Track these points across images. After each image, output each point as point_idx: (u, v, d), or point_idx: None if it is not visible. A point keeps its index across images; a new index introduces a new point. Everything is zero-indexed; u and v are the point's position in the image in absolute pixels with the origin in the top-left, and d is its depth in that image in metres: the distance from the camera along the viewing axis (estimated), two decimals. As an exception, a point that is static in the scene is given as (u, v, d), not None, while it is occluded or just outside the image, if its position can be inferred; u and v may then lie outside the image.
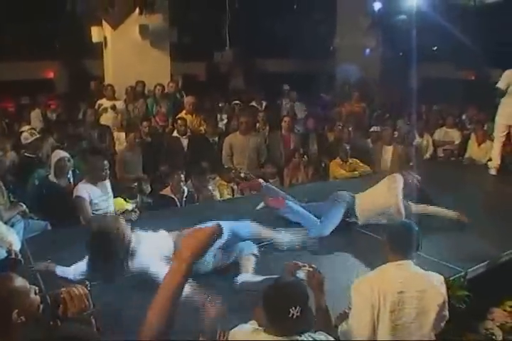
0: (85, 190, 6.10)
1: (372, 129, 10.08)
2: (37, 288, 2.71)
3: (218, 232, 2.30)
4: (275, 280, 3.18)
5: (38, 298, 2.68)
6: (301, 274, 3.77)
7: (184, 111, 10.38)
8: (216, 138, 9.63)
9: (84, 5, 11.08)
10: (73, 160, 6.90)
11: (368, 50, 14.81)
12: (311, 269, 3.77)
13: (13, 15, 12.47)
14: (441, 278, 3.72)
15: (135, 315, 3.60)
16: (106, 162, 6.29)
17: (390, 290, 3.48)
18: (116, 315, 4.07)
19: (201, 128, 10.10)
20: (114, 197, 6.66)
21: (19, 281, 2.66)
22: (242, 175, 6.17)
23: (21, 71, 12.94)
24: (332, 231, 5.62)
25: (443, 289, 3.63)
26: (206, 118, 10.36)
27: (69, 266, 4.77)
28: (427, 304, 3.52)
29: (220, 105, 11.81)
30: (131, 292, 4.41)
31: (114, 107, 10.51)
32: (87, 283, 3.10)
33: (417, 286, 3.54)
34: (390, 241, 3.73)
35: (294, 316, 2.89)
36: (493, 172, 8.70)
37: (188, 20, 13.58)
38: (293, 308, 2.90)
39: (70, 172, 6.63)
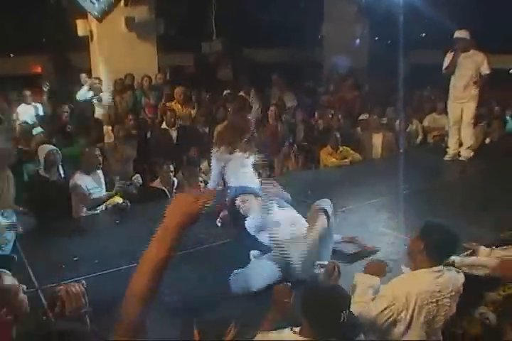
0: (81, 180, 6.22)
1: (361, 117, 10.08)
2: (25, 286, 2.69)
3: (212, 198, 2.10)
4: (316, 287, 3.19)
5: (25, 296, 2.66)
6: (321, 269, 3.83)
7: (174, 102, 10.37)
8: (207, 129, 9.62)
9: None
10: (66, 153, 6.99)
11: (356, 38, 14.78)
12: (332, 265, 3.83)
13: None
14: (462, 275, 3.63)
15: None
16: (98, 151, 6.40)
17: (427, 300, 3.37)
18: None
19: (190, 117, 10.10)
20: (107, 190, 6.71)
21: (8, 280, 2.63)
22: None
23: (8, 66, 12.87)
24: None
25: (462, 287, 3.58)
26: (197, 108, 10.38)
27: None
28: (453, 302, 3.50)
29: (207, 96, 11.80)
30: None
31: (100, 99, 10.47)
32: (83, 281, 3.09)
33: (450, 290, 3.47)
34: (428, 246, 3.45)
35: (345, 320, 2.87)
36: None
37: (174, 11, 13.49)
38: (344, 312, 2.89)
39: (60, 165, 6.64)
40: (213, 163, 5.85)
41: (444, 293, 3.41)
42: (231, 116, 7.93)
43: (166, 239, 1.97)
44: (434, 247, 3.44)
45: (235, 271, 4.34)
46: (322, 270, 3.88)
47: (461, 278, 3.57)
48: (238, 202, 5.17)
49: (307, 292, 3.08)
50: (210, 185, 5.97)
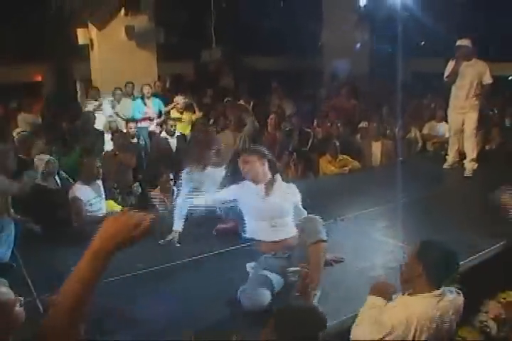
0: (81, 191, 6.21)
1: (360, 125, 10.08)
2: (22, 299, 2.67)
3: (150, 224, 1.93)
4: (290, 308, 3.05)
5: (22, 310, 2.64)
6: (295, 275, 3.77)
7: (174, 110, 10.40)
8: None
9: (70, 7, 11.02)
10: (64, 161, 7.01)
11: (356, 46, 14.80)
12: (305, 270, 3.77)
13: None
14: (462, 297, 3.44)
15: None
16: (98, 160, 6.41)
17: (427, 326, 3.22)
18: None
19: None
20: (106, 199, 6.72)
21: (4, 293, 2.61)
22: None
23: (9, 74, 12.89)
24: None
25: (461, 308, 3.45)
26: (197, 116, 10.41)
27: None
28: (453, 322, 3.37)
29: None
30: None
31: (99, 107, 10.50)
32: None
33: (451, 313, 3.32)
34: (428, 268, 3.29)
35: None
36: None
37: (174, 19, 13.53)
38: (320, 334, 2.84)
39: (57, 174, 6.67)
40: (183, 183, 5.62)
41: (444, 317, 3.27)
42: (193, 133, 7.88)
43: (91, 264, 1.91)
44: (434, 269, 3.29)
45: (242, 288, 4.19)
46: (295, 277, 3.80)
47: (461, 299, 3.43)
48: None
49: (279, 314, 2.96)
50: (177, 202, 5.72)
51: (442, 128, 10.37)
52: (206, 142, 5.70)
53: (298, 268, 3.87)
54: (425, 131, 10.70)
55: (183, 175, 5.57)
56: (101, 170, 6.46)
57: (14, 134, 8.30)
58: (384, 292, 3.51)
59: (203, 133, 6.03)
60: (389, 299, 3.48)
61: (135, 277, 4.81)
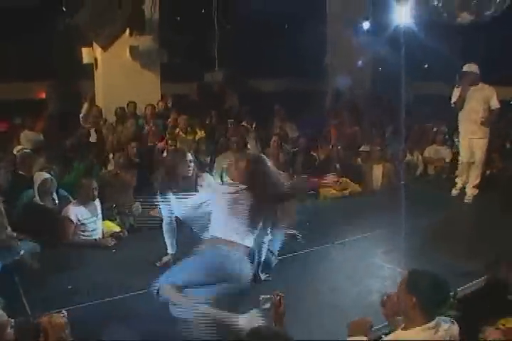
0: (74, 212, 6.22)
1: (361, 148, 10.07)
2: (13, 321, 2.66)
3: None
4: (255, 333, 2.86)
5: (12, 332, 2.63)
6: (268, 304, 3.67)
7: (177, 130, 10.43)
8: (208, 158, 9.63)
9: (75, 26, 11.10)
10: (64, 181, 7.02)
11: (359, 69, 14.84)
12: (277, 298, 3.68)
13: (5, 36, 12.50)
14: (457, 326, 3.32)
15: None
16: (94, 183, 6.40)
17: None
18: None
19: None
20: (104, 219, 6.71)
21: None
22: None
23: (13, 91, 12.94)
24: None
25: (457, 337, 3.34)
26: (199, 137, 10.43)
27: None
28: None
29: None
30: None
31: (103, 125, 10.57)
32: (64, 312, 3.09)
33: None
34: (421, 302, 3.17)
35: None
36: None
37: (178, 41, 13.60)
38: None
39: (55, 193, 6.66)
40: (161, 207, 5.57)
41: None
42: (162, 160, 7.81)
43: None
44: (427, 300, 3.19)
45: None
46: (267, 305, 3.68)
47: (456, 328, 3.32)
48: None
49: (248, 337, 2.85)
50: (163, 228, 5.62)
51: (444, 152, 10.37)
52: (173, 165, 5.47)
53: (270, 296, 3.73)
54: (426, 154, 10.69)
55: (158, 198, 5.47)
56: (96, 193, 6.45)
57: (15, 151, 8.30)
58: (363, 328, 3.42)
59: (171, 155, 5.84)
60: (368, 334, 3.41)
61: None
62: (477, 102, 8.18)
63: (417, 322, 3.20)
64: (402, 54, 9.82)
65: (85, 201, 6.37)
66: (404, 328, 3.28)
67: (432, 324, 3.18)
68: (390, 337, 3.34)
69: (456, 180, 8.76)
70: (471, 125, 8.30)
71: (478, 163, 8.41)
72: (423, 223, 6.73)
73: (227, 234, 4.24)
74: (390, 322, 3.53)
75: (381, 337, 3.60)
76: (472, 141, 8.38)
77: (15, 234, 5.72)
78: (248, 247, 4.30)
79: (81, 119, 10.87)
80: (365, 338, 3.37)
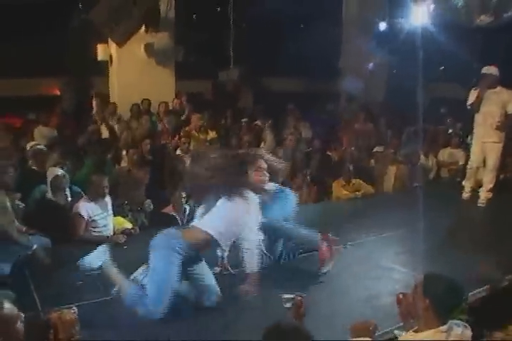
0: (85, 208, 6.22)
1: (375, 149, 10.03)
2: (23, 315, 2.66)
3: None
4: (276, 327, 2.93)
5: (22, 326, 2.63)
6: (289, 304, 3.70)
7: (189, 128, 10.44)
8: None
9: (90, 22, 11.12)
10: (76, 177, 7.02)
11: (374, 70, 14.78)
12: (299, 298, 3.71)
13: (21, 32, 12.54)
14: (470, 331, 3.25)
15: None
16: (106, 179, 6.40)
17: None
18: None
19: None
20: (115, 215, 6.70)
21: (8, 309, 2.60)
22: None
23: (28, 87, 12.98)
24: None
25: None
26: (212, 135, 10.44)
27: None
28: None
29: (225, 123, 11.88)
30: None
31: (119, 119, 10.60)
32: (75, 309, 3.08)
33: None
34: (435, 305, 3.17)
35: None
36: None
37: (193, 38, 13.60)
38: None
39: (68, 189, 6.67)
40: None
41: None
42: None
43: None
44: (440, 303, 3.19)
45: None
46: (289, 304, 3.71)
47: (468, 333, 3.26)
48: None
49: (268, 331, 2.90)
50: None
51: (458, 155, 10.30)
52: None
53: (293, 296, 3.77)
54: (440, 157, 10.61)
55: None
56: (107, 190, 6.45)
57: (28, 147, 8.32)
58: (365, 330, 3.41)
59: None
60: (372, 336, 3.39)
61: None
62: (494, 106, 8.07)
63: (430, 325, 3.19)
64: (419, 56, 9.82)
65: (96, 197, 6.37)
66: (417, 330, 3.27)
67: (444, 327, 3.16)
68: (402, 339, 3.35)
69: (464, 183, 8.68)
70: (486, 129, 8.19)
71: (492, 168, 8.30)
72: (435, 226, 6.67)
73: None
74: (404, 323, 3.50)
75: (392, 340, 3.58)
76: (486, 145, 8.28)
77: (24, 229, 5.76)
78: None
79: (94, 115, 10.90)
80: (368, 339, 3.34)
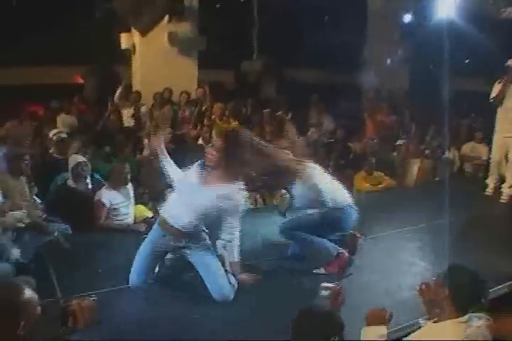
0: (106, 196, 6.25)
1: (398, 142, 9.95)
2: (43, 301, 2.67)
3: None
4: (307, 310, 3.00)
5: (39, 310, 2.64)
6: (327, 292, 3.72)
7: (213, 117, 10.44)
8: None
9: (114, 11, 11.12)
10: (97, 165, 7.05)
11: (398, 62, 14.67)
12: (337, 287, 3.73)
13: (44, 20, 12.60)
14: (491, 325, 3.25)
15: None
16: (127, 166, 6.41)
17: None
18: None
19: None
20: (136, 204, 6.73)
21: (28, 293, 2.62)
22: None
23: (52, 75, 13.04)
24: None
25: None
26: (234, 125, 10.40)
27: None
28: None
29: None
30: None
31: (138, 111, 10.57)
32: (94, 296, 3.09)
33: (482, 339, 3.16)
34: (453, 294, 3.22)
35: None
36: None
37: (217, 28, 13.57)
38: (333, 338, 2.79)
39: (89, 176, 6.69)
40: None
41: None
42: None
43: None
44: (459, 294, 3.21)
45: None
46: (327, 292, 3.74)
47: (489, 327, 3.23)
48: None
49: (298, 314, 2.95)
50: None
51: (482, 150, 10.18)
52: None
53: (332, 285, 3.82)
54: (464, 151, 10.51)
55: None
56: (129, 177, 6.46)
57: (51, 134, 8.35)
58: (380, 318, 3.42)
59: None
60: (387, 324, 3.41)
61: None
62: None
63: (449, 316, 3.21)
64: (444, 48, 9.71)
65: (118, 185, 6.39)
66: (436, 321, 3.30)
67: (463, 318, 3.16)
68: (422, 330, 3.34)
69: (487, 181, 8.56)
70: (508, 123, 8.08)
71: None
72: (457, 221, 6.61)
73: None
74: (427, 311, 3.53)
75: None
76: (508, 140, 8.17)
77: (44, 215, 5.79)
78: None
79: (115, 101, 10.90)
80: (384, 327, 3.36)
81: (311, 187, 5.13)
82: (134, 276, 4.71)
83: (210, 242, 4.71)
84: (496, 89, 8.07)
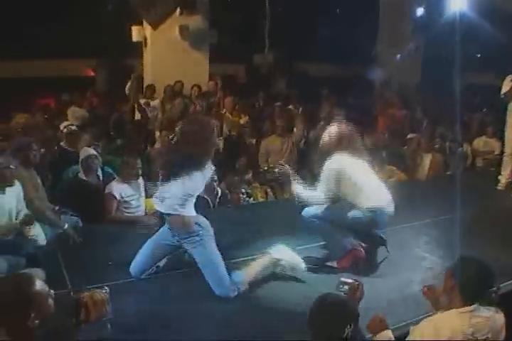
0: (117, 188, 6.26)
1: (408, 136, 9.90)
2: (53, 292, 2.68)
3: None
4: (323, 299, 3.04)
5: (53, 302, 2.64)
6: (345, 287, 3.74)
7: (224, 111, 10.46)
8: (254, 140, 9.62)
9: (126, 4, 11.13)
10: (108, 158, 7.06)
11: (409, 56, 14.61)
12: (356, 283, 3.76)
13: (56, 13, 12.62)
14: (502, 316, 3.30)
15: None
16: (139, 161, 6.42)
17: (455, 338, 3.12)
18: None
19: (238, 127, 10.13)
20: (147, 197, 6.72)
21: (40, 285, 2.62)
22: (276, 170, 5.65)
23: (64, 68, 13.07)
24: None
25: (503, 329, 3.29)
26: (245, 118, 10.42)
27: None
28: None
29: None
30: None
31: (148, 104, 10.57)
32: (106, 289, 3.09)
33: (486, 332, 3.17)
34: (462, 285, 3.21)
35: (349, 335, 2.82)
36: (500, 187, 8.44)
37: (228, 21, 13.56)
38: (348, 327, 2.83)
39: (100, 169, 6.70)
40: None
41: (477, 336, 3.11)
42: None
43: None
44: (466, 283, 3.20)
45: None
46: (346, 287, 3.77)
47: (500, 319, 3.25)
48: None
49: (315, 302, 3.01)
50: None
51: (494, 144, 10.13)
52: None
53: (351, 281, 3.85)
54: (475, 146, 10.46)
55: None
56: (140, 171, 6.47)
57: (61, 127, 8.37)
58: (381, 324, 3.47)
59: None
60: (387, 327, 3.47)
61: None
62: None
63: (455, 305, 3.22)
64: (456, 42, 9.65)
65: (129, 178, 6.40)
66: (442, 311, 3.31)
67: (469, 308, 3.17)
68: (427, 319, 3.33)
69: (499, 177, 8.52)
70: None
71: None
72: (468, 215, 6.57)
73: None
74: (434, 307, 3.58)
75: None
76: None
77: (56, 208, 5.80)
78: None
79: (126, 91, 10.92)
80: (389, 331, 3.42)
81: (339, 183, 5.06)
82: (136, 268, 4.79)
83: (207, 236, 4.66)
84: (507, 84, 8.01)
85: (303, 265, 4.85)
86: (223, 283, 4.50)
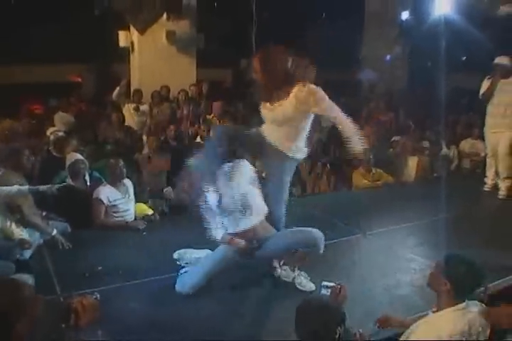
0: (105, 193, 6.26)
1: (393, 139, 9.94)
2: (43, 298, 2.67)
3: None
4: (307, 303, 3.06)
5: (42, 309, 2.64)
6: (327, 291, 3.77)
7: (211, 116, 10.44)
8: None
9: (112, 9, 11.12)
10: (98, 163, 7.05)
11: (395, 60, 14.69)
12: (338, 287, 3.78)
13: (43, 18, 12.60)
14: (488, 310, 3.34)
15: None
16: (121, 161, 6.41)
17: (456, 337, 3.15)
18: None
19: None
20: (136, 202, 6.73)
21: (29, 290, 2.62)
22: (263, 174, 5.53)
23: (51, 74, 13.05)
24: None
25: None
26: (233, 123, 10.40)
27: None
28: (483, 334, 3.22)
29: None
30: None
31: (137, 109, 10.54)
32: (96, 294, 3.10)
33: (478, 325, 3.20)
34: (455, 282, 3.25)
35: (340, 336, 2.84)
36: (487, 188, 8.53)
37: (215, 26, 13.57)
38: (339, 328, 2.85)
39: (87, 174, 6.70)
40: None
41: (473, 330, 3.16)
42: None
43: None
44: (458, 281, 3.24)
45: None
46: (328, 291, 3.81)
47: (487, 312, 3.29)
48: None
49: (300, 307, 3.00)
50: None
51: (479, 146, 10.19)
52: None
53: (332, 284, 3.89)
54: (462, 148, 10.52)
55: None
56: (124, 170, 6.46)
57: (48, 133, 8.36)
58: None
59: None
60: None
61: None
62: (506, 96, 7.96)
63: (449, 304, 3.26)
64: (441, 45, 9.71)
65: (115, 181, 6.39)
66: (436, 311, 3.36)
67: (461, 306, 3.22)
68: (422, 320, 3.39)
69: (485, 179, 8.60)
70: (498, 118, 8.11)
71: (503, 157, 8.18)
72: (456, 217, 6.63)
73: None
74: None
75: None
76: (497, 134, 8.21)
77: (43, 214, 5.79)
78: None
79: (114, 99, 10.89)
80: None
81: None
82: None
83: None
84: (485, 85, 8.14)
85: None
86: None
